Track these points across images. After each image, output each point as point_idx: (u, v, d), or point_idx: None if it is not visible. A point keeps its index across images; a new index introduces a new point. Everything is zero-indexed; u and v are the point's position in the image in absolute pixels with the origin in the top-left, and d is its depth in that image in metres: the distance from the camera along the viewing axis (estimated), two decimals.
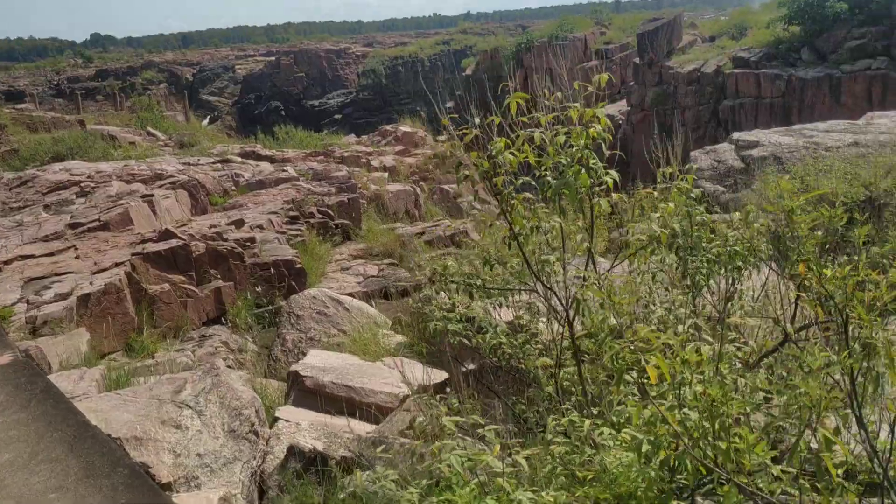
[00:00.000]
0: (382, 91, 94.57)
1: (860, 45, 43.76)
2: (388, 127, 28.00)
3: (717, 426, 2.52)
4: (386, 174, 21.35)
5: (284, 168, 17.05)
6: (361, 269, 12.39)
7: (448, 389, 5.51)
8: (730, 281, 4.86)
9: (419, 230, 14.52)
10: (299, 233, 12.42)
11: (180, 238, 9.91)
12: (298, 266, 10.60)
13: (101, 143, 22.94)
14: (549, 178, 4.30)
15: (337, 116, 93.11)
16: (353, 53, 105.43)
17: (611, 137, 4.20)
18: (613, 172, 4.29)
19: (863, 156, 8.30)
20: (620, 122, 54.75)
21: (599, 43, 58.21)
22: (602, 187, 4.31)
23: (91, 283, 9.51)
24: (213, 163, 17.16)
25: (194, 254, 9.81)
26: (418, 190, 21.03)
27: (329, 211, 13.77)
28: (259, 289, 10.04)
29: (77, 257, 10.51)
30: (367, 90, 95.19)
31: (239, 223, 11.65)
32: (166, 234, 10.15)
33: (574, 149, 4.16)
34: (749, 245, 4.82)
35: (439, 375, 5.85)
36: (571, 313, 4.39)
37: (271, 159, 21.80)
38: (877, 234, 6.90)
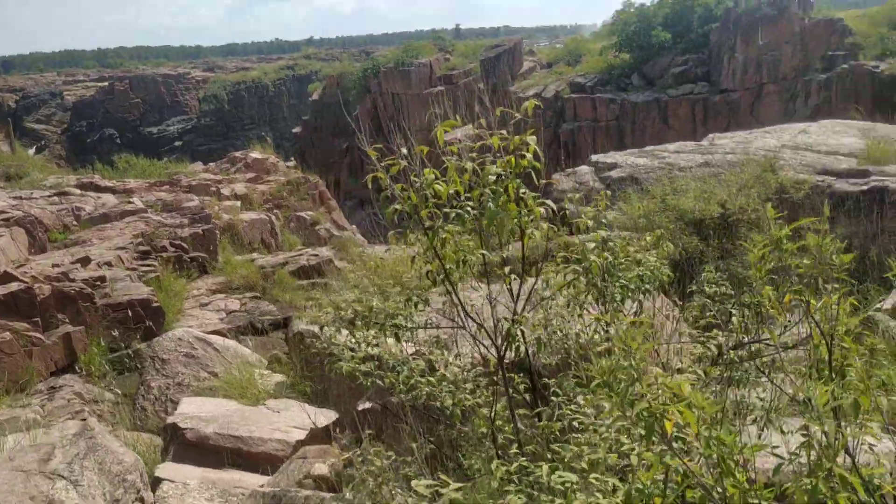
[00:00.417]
0: (225, 117, 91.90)
1: (683, 72, 47.30)
2: (238, 153, 27.08)
3: (728, 470, 2.46)
4: (238, 203, 20.57)
5: (130, 199, 16.02)
6: (222, 304, 11.77)
7: (338, 430, 5.27)
8: (636, 304, 4.97)
9: (282, 260, 14.03)
10: (152, 268, 11.61)
11: (21, 280, 8.92)
12: (155, 305, 9.86)
13: None
14: (470, 209, 4.19)
15: (177, 143, 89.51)
16: (192, 78, 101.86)
17: (540, 165, 4.16)
18: (551, 202, 4.24)
19: (714, 175, 8.87)
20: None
21: (444, 69, 59.44)
22: (531, 218, 4.26)
23: None
24: (49, 196, 15.83)
25: (38, 297, 8.88)
26: (274, 218, 20.42)
27: (183, 244, 13.02)
28: (114, 332, 9.25)
29: None
30: (209, 116, 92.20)
31: (85, 261, 10.72)
32: (5, 277, 9.09)
33: (502, 179, 4.07)
34: (655, 270, 4.93)
35: (327, 416, 5.56)
36: (504, 349, 4.30)
37: (112, 190, 20.47)
38: (733, 248, 7.39)
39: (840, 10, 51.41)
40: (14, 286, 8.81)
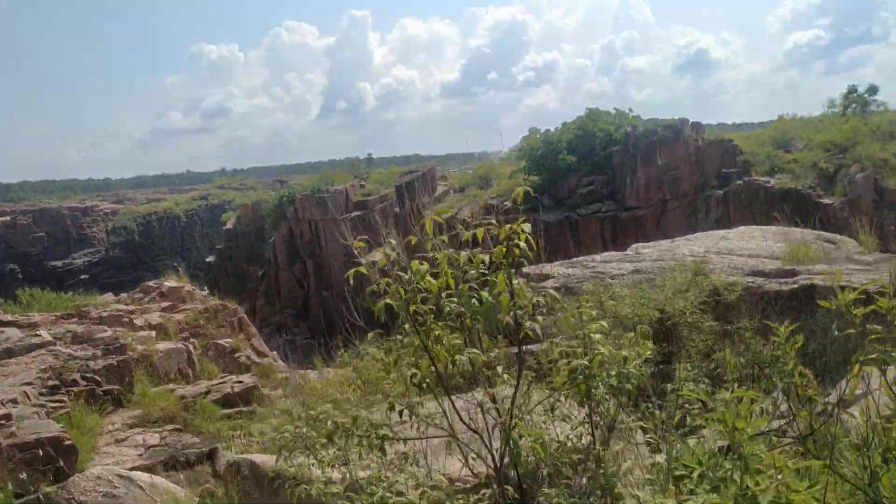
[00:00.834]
0: (135, 248, 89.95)
1: (589, 192, 49.39)
2: (152, 283, 26.22)
3: None
4: (153, 333, 19.71)
5: (37, 332, 15.09)
6: (140, 438, 10.91)
7: None
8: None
9: (203, 389, 13.29)
10: (62, 404, 10.74)
11: None
12: (67, 443, 9.01)
13: None
14: (453, 304, 3.99)
15: (84, 276, 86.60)
16: (101, 211, 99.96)
17: (531, 254, 4.03)
18: (551, 290, 4.08)
19: (646, 280, 9.03)
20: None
21: (360, 195, 60.33)
22: (524, 310, 4.08)
23: None
24: None
25: None
26: (191, 347, 19.59)
27: (96, 377, 12.20)
28: (21, 475, 8.34)
29: None
30: (118, 248, 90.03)
31: None
32: None
33: (494, 268, 3.92)
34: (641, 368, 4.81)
35: None
36: (502, 459, 4.01)
37: (16, 324, 19.30)
38: (675, 350, 7.42)
39: (727, 132, 55.35)
40: None
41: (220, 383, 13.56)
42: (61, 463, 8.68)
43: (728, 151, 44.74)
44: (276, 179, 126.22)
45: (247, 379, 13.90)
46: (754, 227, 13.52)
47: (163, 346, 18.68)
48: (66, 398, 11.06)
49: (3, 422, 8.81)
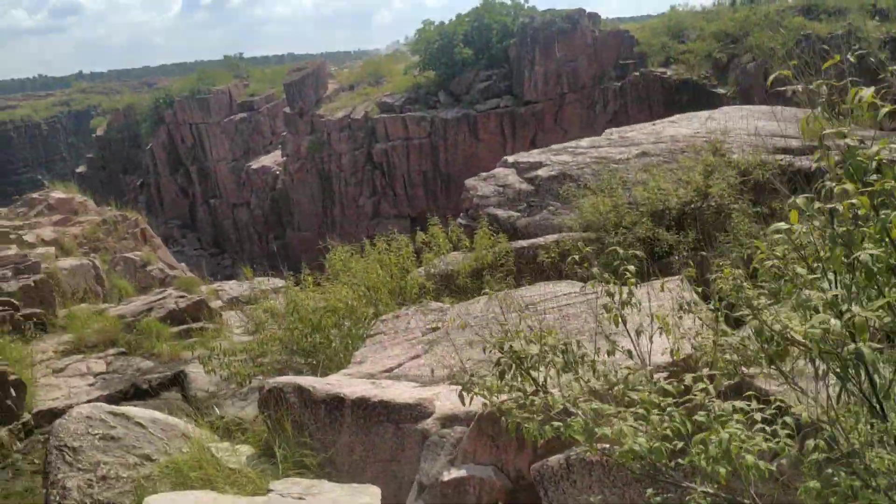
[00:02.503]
0: None
1: (487, 87, 48.48)
2: (36, 195, 23.70)
3: None
4: (52, 249, 17.78)
5: None
6: (82, 366, 9.58)
7: None
8: None
9: (142, 307, 11.86)
10: None
11: None
12: (13, 378, 7.63)
13: None
14: None
15: None
16: None
17: None
18: None
19: (659, 164, 8.47)
20: (278, 172, 54.00)
21: (244, 95, 57.03)
22: None
23: None
24: None
25: None
26: (97, 262, 17.84)
27: (12, 300, 10.60)
28: None
29: None
30: None
31: None
32: None
33: None
34: None
35: (371, 495, 4.19)
36: None
37: None
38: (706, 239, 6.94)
39: (622, 24, 55.27)
40: None
41: (160, 298, 12.22)
42: (9, 402, 7.40)
43: (625, 42, 44.68)
44: (143, 82, 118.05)
45: (225, 291, 12.60)
46: (740, 107, 13.14)
47: (66, 262, 16.93)
48: None
49: None
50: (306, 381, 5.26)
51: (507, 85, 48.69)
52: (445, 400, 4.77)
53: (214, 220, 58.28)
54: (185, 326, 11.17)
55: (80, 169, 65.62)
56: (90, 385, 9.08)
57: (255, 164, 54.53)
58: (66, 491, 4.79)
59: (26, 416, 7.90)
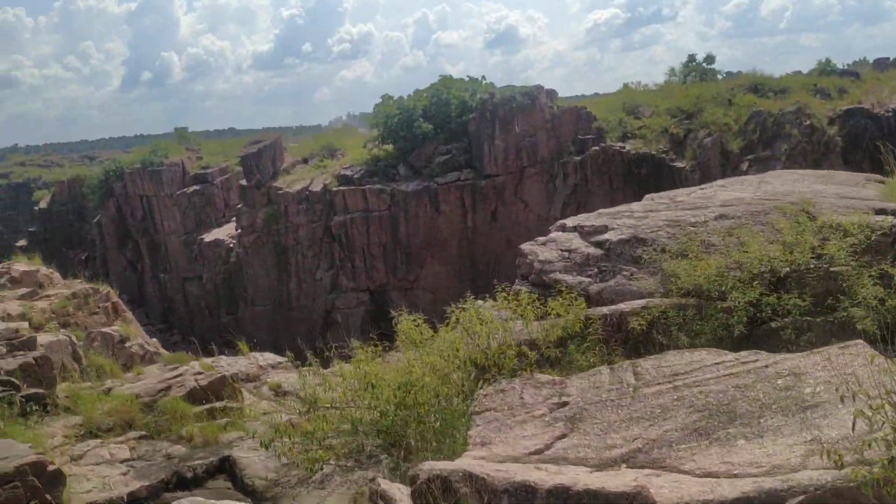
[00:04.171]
0: None
1: (447, 160, 48.82)
2: None
3: None
4: (26, 324, 16.57)
5: None
6: (104, 452, 8.52)
7: None
8: None
9: (158, 385, 10.83)
10: None
11: None
12: (52, 469, 6.64)
13: None
14: None
15: None
16: None
17: None
18: None
19: (740, 225, 8.23)
20: (232, 245, 52.80)
21: (197, 167, 56.15)
22: None
23: None
24: None
25: None
26: (73, 338, 16.67)
27: (12, 380, 9.52)
28: None
29: None
30: None
31: None
32: None
33: None
34: None
35: None
36: None
37: None
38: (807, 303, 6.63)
39: (575, 101, 56.77)
40: None
41: (177, 376, 11.24)
42: (48, 496, 6.46)
43: (583, 118, 45.70)
44: (84, 155, 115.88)
45: (221, 366, 11.66)
46: (789, 171, 13.14)
47: (43, 338, 15.73)
48: None
49: None
50: (474, 467, 4.59)
51: (468, 158, 49.13)
52: (659, 487, 4.19)
53: (164, 294, 56.45)
54: (208, 406, 10.25)
55: (21, 242, 63.08)
56: (123, 474, 8.10)
57: (207, 237, 53.28)
58: None
59: None
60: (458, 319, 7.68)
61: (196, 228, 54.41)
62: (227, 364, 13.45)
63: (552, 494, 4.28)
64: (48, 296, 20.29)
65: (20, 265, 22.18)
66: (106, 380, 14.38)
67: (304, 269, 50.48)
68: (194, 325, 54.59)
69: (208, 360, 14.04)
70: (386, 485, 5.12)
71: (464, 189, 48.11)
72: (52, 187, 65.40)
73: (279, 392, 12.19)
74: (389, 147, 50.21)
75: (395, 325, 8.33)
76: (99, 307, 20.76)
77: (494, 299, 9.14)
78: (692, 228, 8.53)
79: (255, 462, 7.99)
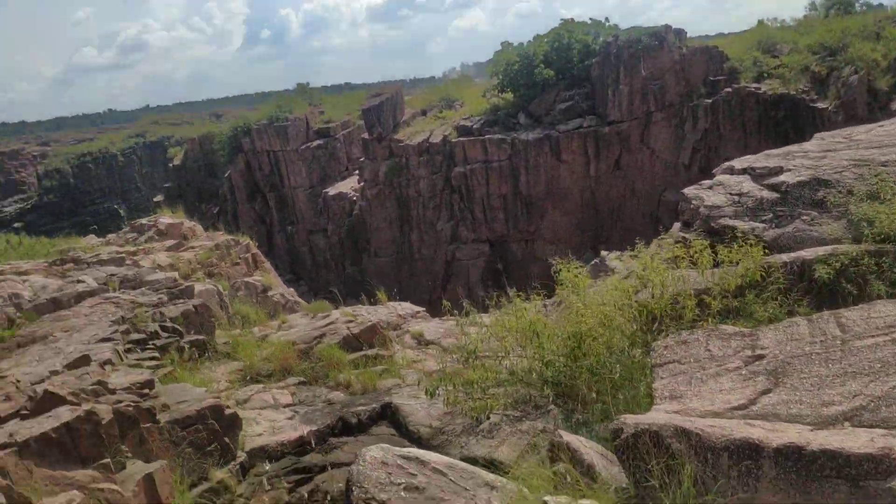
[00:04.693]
0: (71, 192, 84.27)
1: (569, 107, 47.60)
2: (144, 220, 23.58)
3: None
4: (176, 274, 17.36)
5: (80, 279, 12.63)
6: (267, 397, 8.83)
7: None
8: None
9: (312, 332, 11.14)
10: (158, 362, 8.58)
11: (72, 403, 5.75)
12: (229, 413, 6.92)
13: None
14: None
15: (17, 225, 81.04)
16: (28, 154, 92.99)
17: None
18: None
19: None
20: (355, 198, 53.85)
21: (320, 122, 57.29)
22: None
23: None
24: None
25: (102, 423, 5.75)
26: (220, 288, 17.34)
27: (176, 326, 9.99)
28: (185, 459, 6.27)
29: None
30: (52, 192, 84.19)
31: (83, 361, 7.59)
32: (48, 401, 5.85)
33: None
34: None
35: None
36: None
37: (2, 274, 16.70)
38: None
39: (708, 41, 53.96)
40: (66, 414, 5.73)
41: (329, 324, 11.47)
42: (226, 439, 6.66)
43: (714, 58, 43.38)
44: (211, 113, 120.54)
45: (363, 314, 11.83)
46: None
47: (196, 288, 16.41)
48: (157, 354, 8.89)
49: (145, 392, 6.69)
50: (684, 422, 4.32)
51: (590, 105, 47.78)
52: None
53: (291, 246, 58.43)
54: (361, 353, 10.40)
55: (158, 198, 66.69)
56: (289, 419, 8.32)
57: (331, 191, 54.56)
58: None
59: (241, 455, 7.17)
60: (626, 269, 7.28)
61: (321, 182, 55.78)
62: (367, 313, 13.60)
63: (781, 454, 3.93)
64: (192, 247, 21.19)
65: (165, 218, 23.28)
66: (252, 327, 14.90)
67: (425, 221, 50.89)
68: (320, 277, 56.39)
69: (349, 310, 14.24)
70: (569, 437, 4.90)
71: (586, 137, 46.89)
72: (185, 144, 68.44)
73: (421, 341, 12.23)
74: (509, 95, 49.48)
75: (555, 274, 8.02)
76: (240, 258, 21.54)
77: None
78: (883, 168, 7.75)
79: (417, 409, 7.98)
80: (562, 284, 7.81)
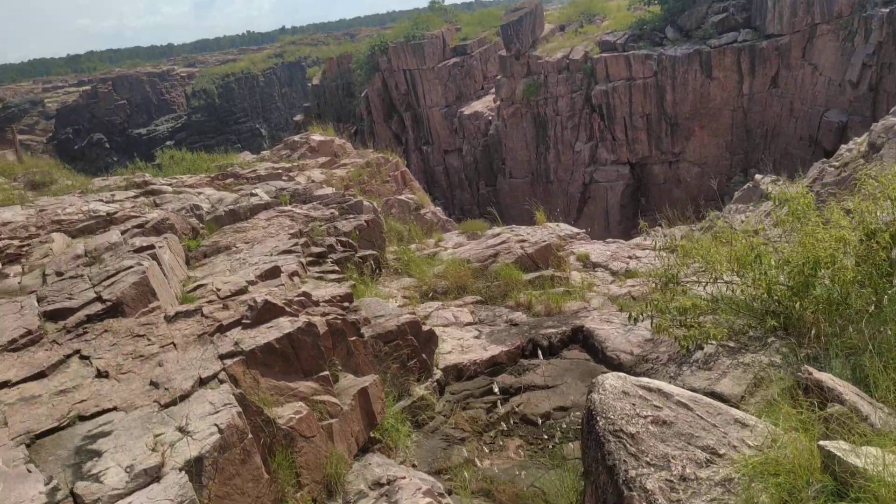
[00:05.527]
0: (216, 111, 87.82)
1: (722, 20, 44.46)
2: (296, 137, 23.96)
3: None
4: (332, 190, 17.56)
5: (253, 192, 12.94)
6: (447, 315, 8.73)
7: None
8: None
9: (487, 250, 10.93)
10: (338, 274, 8.57)
11: (291, 314, 5.80)
12: (426, 329, 6.85)
13: None
14: None
15: (169, 143, 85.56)
16: (178, 74, 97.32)
17: None
18: None
19: None
20: (490, 118, 53.12)
21: (457, 39, 56.35)
22: None
23: (188, 434, 4.82)
24: (135, 196, 12.72)
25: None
26: (375, 204, 17.41)
27: (350, 241, 9.99)
28: (389, 374, 6.26)
29: (103, 374, 5.99)
30: (200, 112, 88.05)
31: (274, 273, 7.66)
32: (268, 311, 5.93)
33: None
34: None
35: None
36: None
37: (171, 188, 17.37)
38: None
39: None
40: (287, 324, 5.76)
41: (500, 243, 11.21)
42: (424, 355, 6.54)
43: None
44: (345, 33, 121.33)
45: (536, 233, 11.50)
46: None
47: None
48: (336, 268, 8.88)
49: (346, 304, 6.63)
50: None
51: (746, 17, 44.46)
52: None
53: (426, 166, 58.69)
54: (536, 274, 10.09)
55: (298, 117, 68.28)
56: (475, 338, 8.18)
57: (467, 110, 54.01)
58: (649, 494, 3.62)
59: (437, 372, 7.09)
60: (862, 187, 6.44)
61: (456, 101, 55.31)
62: (526, 234, 13.21)
63: None
64: (344, 164, 21.38)
65: (317, 135, 23.55)
66: (409, 244, 14.86)
67: (562, 141, 49.66)
68: (454, 197, 56.55)
69: (507, 229, 13.90)
70: (820, 374, 4.35)
71: (741, 52, 43.83)
72: (323, 64, 69.31)
73: (587, 263, 11.76)
74: (656, 8, 46.80)
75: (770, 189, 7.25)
76: (389, 176, 21.57)
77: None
78: None
79: (613, 335, 7.59)
80: (776, 201, 7.00)
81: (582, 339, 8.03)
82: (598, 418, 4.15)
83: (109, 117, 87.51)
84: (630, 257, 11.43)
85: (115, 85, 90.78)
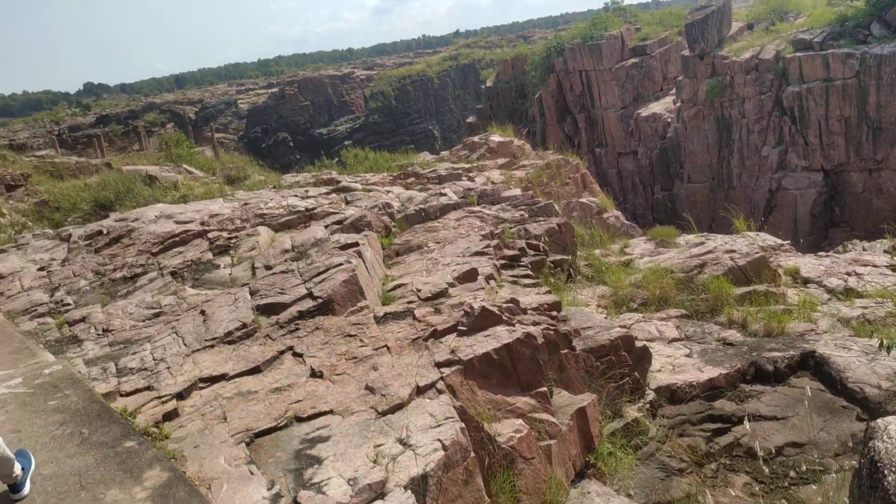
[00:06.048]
0: (392, 113, 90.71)
1: None
2: (476, 138, 23.93)
3: None
4: (518, 191, 17.29)
5: (442, 192, 12.96)
6: (652, 330, 8.19)
7: None
8: None
9: (691, 260, 10.24)
10: (534, 281, 8.22)
11: (507, 323, 5.58)
12: (640, 346, 6.41)
13: (140, 186, 19.14)
14: None
15: (347, 143, 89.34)
16: (357, 77, 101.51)
17: None
18: None
19: None
20: (669, 120, 51.04)
21: (636, 40, 54.62)
22: None
23: (410, 447, 4.62)
24: (327, 193, 13.05)
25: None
26: (556, 207, 16.94)
27: (541, 245, 9.63)
28: (604, 394, 5.88)
29: (317, 374, 5.80)
30: (377, 113, 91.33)
31: (471, 275, 7.45)
32: (484, 318, 5.76)
33: None
34: None
35: None
36: None
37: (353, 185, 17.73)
38: None
39: None
40: (504, 334, 5.51)
41: (706, 253, 10.46)
42: (636, 374, 6.03)
43: None
44: (518, 35, 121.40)
45: (741, 244, 10.68)
46: None
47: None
48: (529, 272, 8.50)
49: (554, 313, 6.26)
50: None
51: None
52: None
53: (598, 168, 57.36)
54: (748, 288, 9.27)
55: (470, 119, 68.96)
56: (686, 356, 7.57)
57: (644, 112, 52.20)
58: None
59: (649, 393, 6.59)
60: None
61: (633, 102, 53.70)
62: (723, 243, 12.22)
63: None
64: (523, 165, 21.05)
65: (496, 136, 23.39)
66: (593, 249, 14.26)
67: (748, 145, 46.85)
68: (627, 201, 54.85)
69: (700, 237, 12.95)
70: None
71: None
72: (497, 66, 69.58)
73: (797, 278, 10.67)
74: (860, 3, 42.94)
75: None
76: (569, 178, 21.01)
77: None
78: None
79: (853, 364, 6.72)
80: None
81: (813, 365, 7.13)
82: (886, 472, 3.46)
83: (294, 117, 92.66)
84: (848, 274, 10.24)
85: (300, 87, 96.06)
